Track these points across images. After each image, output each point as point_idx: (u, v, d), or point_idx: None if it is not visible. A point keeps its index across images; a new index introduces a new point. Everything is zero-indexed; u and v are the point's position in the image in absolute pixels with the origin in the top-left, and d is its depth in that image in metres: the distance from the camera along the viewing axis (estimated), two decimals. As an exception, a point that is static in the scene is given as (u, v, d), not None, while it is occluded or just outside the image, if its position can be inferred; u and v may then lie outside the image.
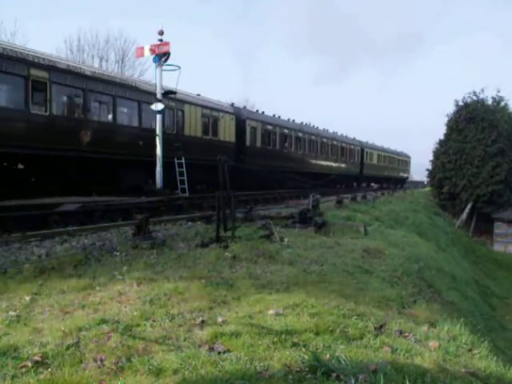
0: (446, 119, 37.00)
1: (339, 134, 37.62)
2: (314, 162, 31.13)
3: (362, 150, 41.00)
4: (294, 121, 29.78)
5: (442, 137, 37.02)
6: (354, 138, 40.82)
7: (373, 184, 46.55)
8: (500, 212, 33.35)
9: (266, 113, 28.26)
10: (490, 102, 35.68)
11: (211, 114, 20.39)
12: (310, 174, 27.74)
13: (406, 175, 60.07)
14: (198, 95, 20.92)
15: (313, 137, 31.28)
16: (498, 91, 36.00)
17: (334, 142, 35.17)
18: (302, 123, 30.98)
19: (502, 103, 35.97)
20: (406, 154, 59.63)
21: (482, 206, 33.67)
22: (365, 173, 41.59)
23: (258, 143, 24.43)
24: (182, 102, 18.45)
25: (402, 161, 56.81)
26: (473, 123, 33.83)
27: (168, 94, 16.47)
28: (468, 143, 33.67)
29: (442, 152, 35.61)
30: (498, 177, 32.72)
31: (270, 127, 25.85)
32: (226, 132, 21.39)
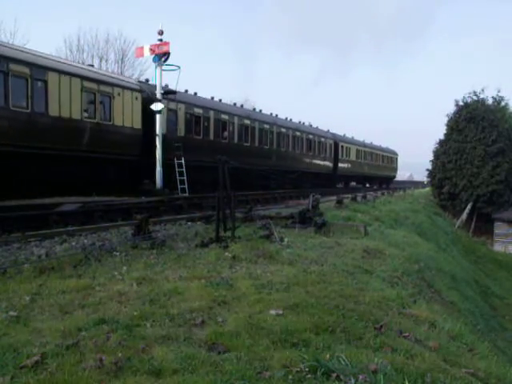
0: (446, 119, 37.09)
1: (306, 124, 32.46)
2: (267, 156, 25.31)
3: (336, 144, 35.15)
4: (242, 106, 25.41)
5: (440, 137, 37.12)
6: (328, 131, 35.50)
7: (353, 183, 41.84)
8: (500, 212, 33.37)
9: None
10: (490, 101, 35.73)
11: (99, 88, 15.05)
12: (263, 172, 21.22)
13: (392, 174, 52.93)
14: (91, 66, 16.46)
15: (266, 125, 25.45)
16: (499, 91, 36.08)
17: (297, 133, 29.39)
18: (253, 110, 26.05)
19: (503, 103, 36.01)
20: (393, 150, 52.81)
21: (482, 206, 33.70)
22: (340, 170, 35.80)
23: (181, 131, 18.97)
24: (44, 68, 13.24)
25: (388, 158, 49.76)
26: (473, 123, 33.87)
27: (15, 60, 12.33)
28: (468, 143, 33.70)
29: (442, 152, 35.65)
30: (498, 177, 32.75)
31: (199, 111, 20.19)
32: (126, 115, 15.99)
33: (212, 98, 22.95)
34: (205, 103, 21.35)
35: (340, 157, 35.82)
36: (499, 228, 33.18)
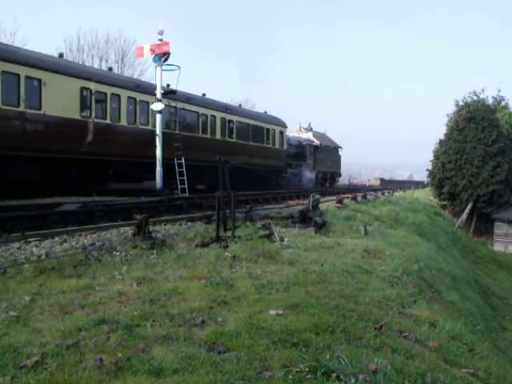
0: (446, 119, 37.13)
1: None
2: None
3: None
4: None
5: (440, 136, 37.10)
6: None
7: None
8: (500, 212, 33.38)
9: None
10: (490, 101, 35.74)
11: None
12: None
13: (274, 162, 26.73)
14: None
15: None
16: (499, 91, 36.12)
17: None
18: None
19: (503, 103, 36.04)
20: (272, 116, 27.86)
21: (482, 206, 33.71)
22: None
23: None
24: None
25: (255, 129, 24.57)
26: (473, 123, 33.86)
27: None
28: (468, 143, 33.69)
29: (443, 152, 35.62)
30: (498, 177, 32.75)
31: None
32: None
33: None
34: None
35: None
36: (499, 228, 33.18)
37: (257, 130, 24.89)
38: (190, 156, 17.41)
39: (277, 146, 27.16)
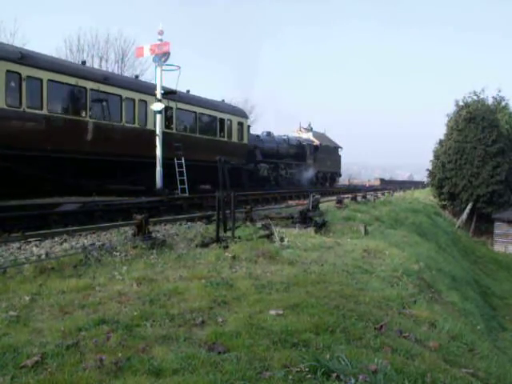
0: (446, 119, 37.16)
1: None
2: None
3: None
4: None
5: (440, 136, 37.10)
6: None
7: None
8: (500, 212, 33.40)
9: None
10: (490, 101, 35.79)
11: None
12: None
13: (232, 157, 19.19)
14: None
15: None
16: (499, 91, 36.15)
17: None
18: None
19: (503, 103, 36.07)
20: (232, 106, 24.46)
21: (482, 206, 33.72)
22: None
23: None
24: None
25: (204, 119, 20.54)
26: (473, 123, 33.87)
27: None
28: (468, 143, 33.70)
29: (443, 152, 35.64)
30: (498, 177, 32.77)
31: None
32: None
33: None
34: None
35: None
36: (499, 228, 33.19)
37: (206, 120, 20.74)
38: (109, 150, 14.52)
39: (234, 139, 22.26)
